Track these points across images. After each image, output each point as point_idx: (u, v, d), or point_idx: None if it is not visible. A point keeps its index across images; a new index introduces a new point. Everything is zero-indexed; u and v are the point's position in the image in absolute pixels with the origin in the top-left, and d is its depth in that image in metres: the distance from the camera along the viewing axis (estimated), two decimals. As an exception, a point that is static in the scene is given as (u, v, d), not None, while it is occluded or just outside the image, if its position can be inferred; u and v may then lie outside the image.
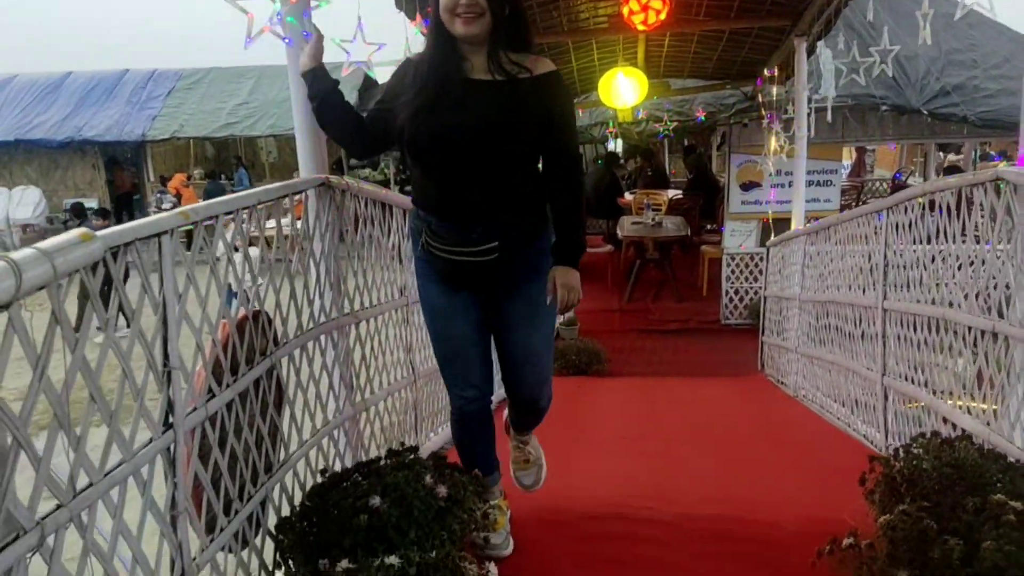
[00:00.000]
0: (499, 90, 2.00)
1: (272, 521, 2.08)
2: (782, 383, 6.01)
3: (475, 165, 2.01)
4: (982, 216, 2.58)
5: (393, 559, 1.73)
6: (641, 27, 5.35)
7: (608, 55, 7.79)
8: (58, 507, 1.25)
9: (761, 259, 8.08)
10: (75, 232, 1.27)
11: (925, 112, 8.18)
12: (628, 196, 11.78)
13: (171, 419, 1.57)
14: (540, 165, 2.15)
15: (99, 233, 1.31)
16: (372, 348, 2.86)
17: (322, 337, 2.44)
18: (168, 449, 1.57)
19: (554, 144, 2.07)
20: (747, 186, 8.94)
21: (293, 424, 2.23)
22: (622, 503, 2.79)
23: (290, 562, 2.02)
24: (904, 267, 3.32)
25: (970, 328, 2.64)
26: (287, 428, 2.20)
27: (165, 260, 1.53)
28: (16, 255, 1.13)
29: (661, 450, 3.77)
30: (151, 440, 1.51)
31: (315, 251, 2.40)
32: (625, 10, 5.35)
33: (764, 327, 6.97)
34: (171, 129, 16.33)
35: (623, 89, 6.75)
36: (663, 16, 5.30)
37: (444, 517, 2.01)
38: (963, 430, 2.53)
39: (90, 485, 1.32)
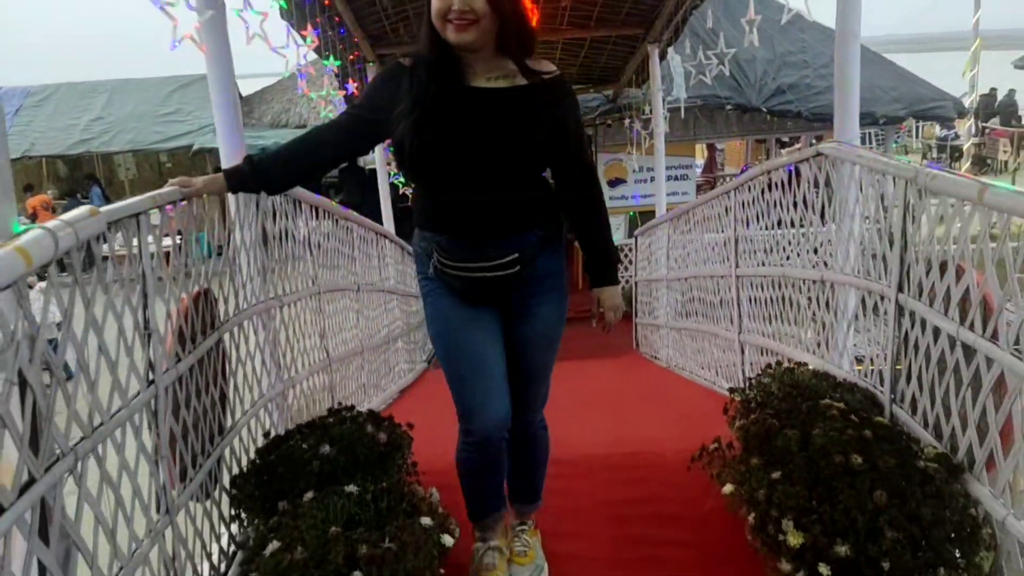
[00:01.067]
0: (506, 97, 1.89)
1: (226, 480, 2.32)
2: (655, 358, 6.60)
3: (486, 178, 1.89)
4: (809, 187, 3.13)
5: (351, 487, 2.03)
6: (512, 36, 5.77)
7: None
8: (83, 439, 1.49)
9: (630, 250, 8.71)
10: (85, 208, 1.52)
11: (764, 109, 9.09)
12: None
13: (152, 376, 1.82)
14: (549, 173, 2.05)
15: (101, 209, 1.56)
16: (294, 331, 3.11)
17: (254, 317, 2.68)
18: (151, 403, 1.81)
19: (568, 154, 1.97)
20: (614, 182, 9.61)
21: (236, 395, 2.48)
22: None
23: (243, 514, 2.28)
24: (750, 239, 3.88)
25: (804, 280, 3.19)
26: (232, 397, 2.45)
27: (143, 237, 1.78)
28: (48, 225, 1.38)
29: (554, 413, 4.18)
30: (139, 392, 1.75)
31: (246, 239, 2.65)
32: (497, 20, 5.75)
33: (636, 310, 7.57)
34: (22, 148, 15.51)
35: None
36: (532, 23, 5.74)
37: (385, 461, 2.33)
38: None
39: (101, 424, 1.57)
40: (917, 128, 20.76)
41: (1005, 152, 17.06)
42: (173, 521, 1.89)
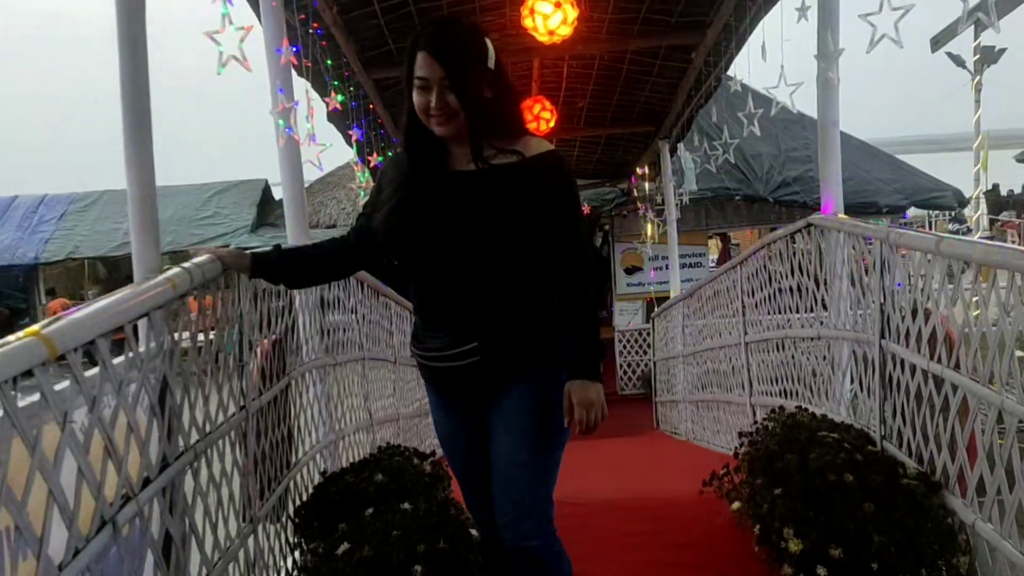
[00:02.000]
0: (484, 179, 1.81)
1: (291, 511, 2.63)
2: (675, 433, 6.83)
3: (456, 263, 1.82)
4: (803, 254, 3.51)
5: (406, 505, 2.34)
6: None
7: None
8: (198, 440, 1.84)
9: (648, 334, 9.06)
10: (204, 257, 1.92)
11: (771, 200, 9.58)
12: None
13: (243, 402, 2.18)
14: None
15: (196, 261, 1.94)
16: (344, 389, 3.47)
17: (313, 371, 3.05)
18: (241, 424, 2.16)
19: (550, 232, 1.80)
20: (630, 270, 10.05)
21: (299, 436, 2.82)
22: (558, 506, 3.44)
23: (304, 543, 2.58)
24: (756, 306, 4.23)
25: (803, 338, 3.52)
26: (296, 437, 2.79)
27: (242, 286, 2.17)
28: (186, 265, 1.77)
29: (576, 472, 4.46)
30: (233, 414, 2.11)
31: (307, 301, 3.04)
32: (521, 121, 6.33)
33: (656, 389, 7.84)
34: (65, 251, 16.31)
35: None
36: (552, 124, 6.31)
37: (430, 489, 2.63)
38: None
39: (210, 432, 1.91)
40: (930, 223, 21.39)
41: (1014, 242, 17.49)
42: (255, 530, 2.21)
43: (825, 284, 3.29)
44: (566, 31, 4.31)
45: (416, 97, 1.81)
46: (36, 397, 1.23)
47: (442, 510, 2.37)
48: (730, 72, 5.56)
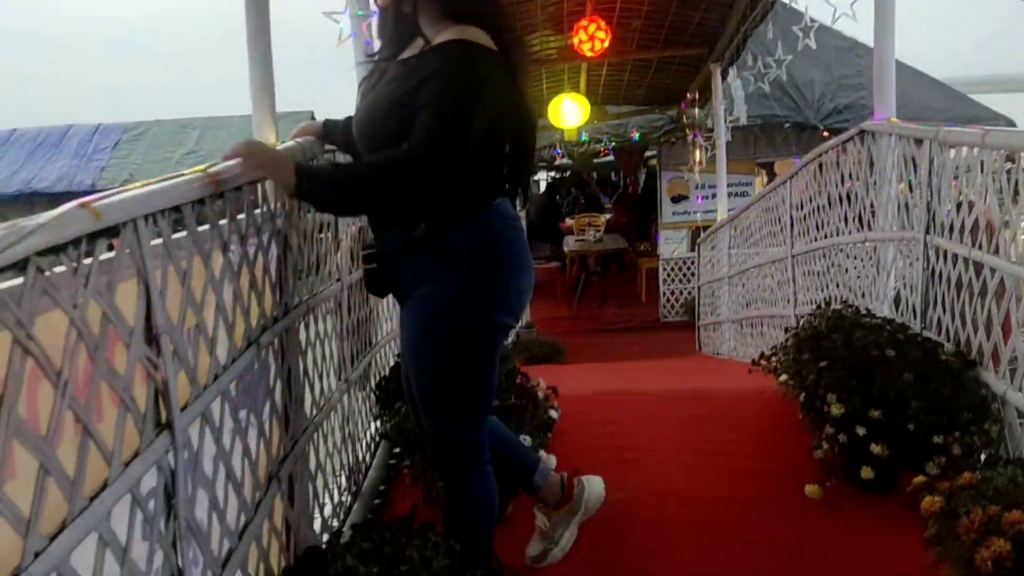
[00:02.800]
0: (392, 70, 1.77)
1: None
2: (718, 354, 7.04)
3: (362, 154, 1.81)
4: (854, 161, 3.63)
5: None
6: (589, 53, 6.43)
7: (555, 84, 8.91)
8: (309, 297, 2.09)
9: (692, 263, 9.20)
10: (302, 139, 2.13)
11: (822, 127, 9.52)
12: (568, 221, 12.86)
13: (339, 276, 2.42)
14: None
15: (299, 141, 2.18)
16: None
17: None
18: (337, 295, 2.41)
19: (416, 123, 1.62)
20: (677, 199, 10.13)
21: (377, 319, 3.08)
22: (614, 395, 3.70)
23: (383, 412, 2.86)
24: (804, 219, 4.37)
25: (850, 244, 3.67)
26: (377, 320, 3.05)
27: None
28: (290, 143, 1.99)
29: (632, 379, 4.71)
30: (332, 284, 2.35)
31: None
32: (575, 40, 6.43)
33: (699, 314, 8.02)
34: (120, 179, 16.74)
35: (569, 112, 7.83)
36: (606, 44, 6.39)
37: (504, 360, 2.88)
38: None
39: (316, 293, 2.17)
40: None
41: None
42: (349, 390, 2.49)
43: (874, 189, 3.43)
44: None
45: None
46: (184, 233, 1.47)
47: (510, 377, 2.63)
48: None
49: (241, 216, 1.62)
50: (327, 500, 2.22)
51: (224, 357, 1.52)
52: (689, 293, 9.52)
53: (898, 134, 3.13)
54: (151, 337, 1.23)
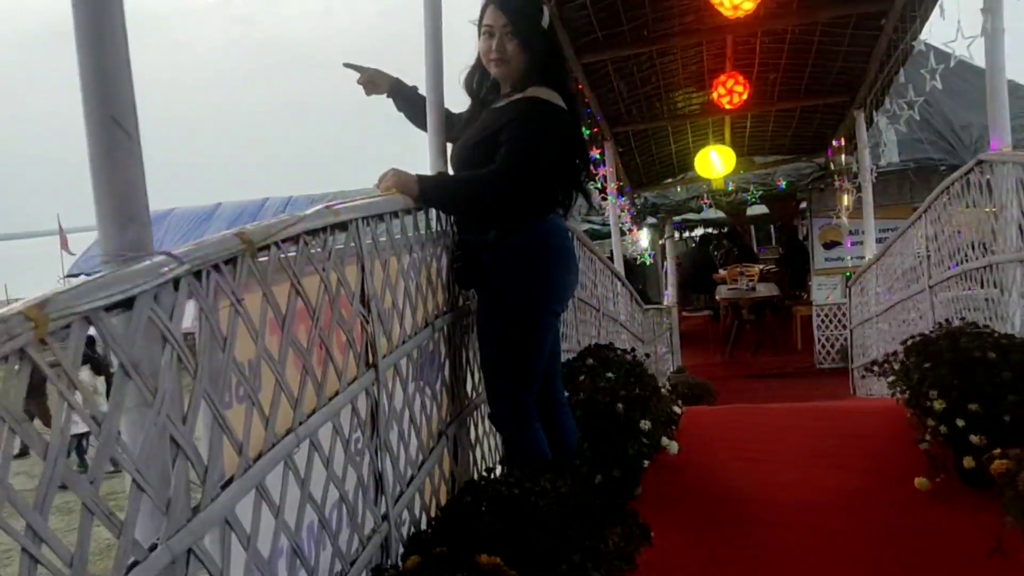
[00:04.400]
0: (489, 112, 2.32)
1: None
2: (870, 394, 7.00)
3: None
4: (977, 191, 3.80)
5: (609, 374, 3.02)
6: (728, 107, 6.82)
7: (700, 137, 9.33)
8: (466, 302, 2.63)
9: (846, 308, 9.13)
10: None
11: (982, 169, 9.28)
12: (722, 272, 13.00)
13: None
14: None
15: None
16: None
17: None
18: (444, 327, 2.93)
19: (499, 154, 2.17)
20: (829, 245, 10.11)
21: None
22: (741, 408, 4.00)
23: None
24: (938, 249, 4.51)
25: (976, 269, 3.82)
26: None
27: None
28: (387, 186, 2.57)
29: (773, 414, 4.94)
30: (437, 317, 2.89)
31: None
32: (715, 95, 6.85)
33: (852, 357, 7.98)
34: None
35: (716, 162, 8.18)
36: (745, 97, 6.75)
37: (625, 366, 3.30)
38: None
39: (463, 303, 2.70)
40: None
41: None
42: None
43: (994, 215, 3.59)
44: (750, 5, 4.80)
45: (481, 44, 2.28)
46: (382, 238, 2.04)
47: (635, 373, 3.04)
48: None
49: (417, 231, 2.19)
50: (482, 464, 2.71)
51: (409, 330, 2.07)
52: (844, 338, 9.41)
53: (1012, 162, 3.32)
54: (364, 301, 1.79)
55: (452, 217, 2.39)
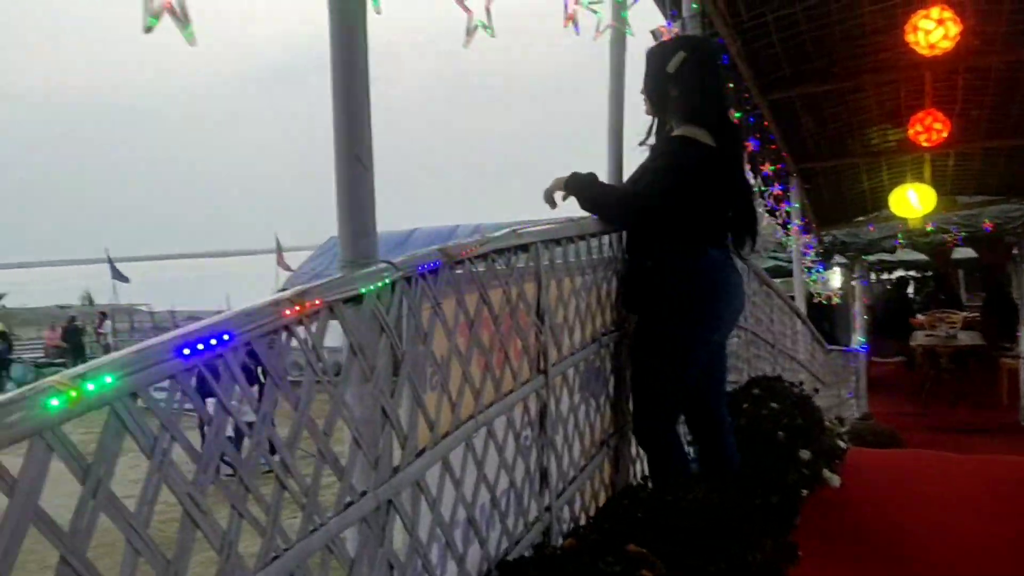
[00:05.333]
0: (650, 149, 2.63)
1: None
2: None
3: None
4: None
5: (773, 404, 3.09)
6: (925, 144, 6.54)
7: (896, 174, 8.92)
8: (627, 325, 2.83)
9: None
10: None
11: None
12: (920, 317, 12.21)
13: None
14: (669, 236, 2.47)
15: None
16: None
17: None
18: (610, 344, 3.11)
19: None
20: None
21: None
22: (915, 452, 3.88)
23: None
24: None
25: None
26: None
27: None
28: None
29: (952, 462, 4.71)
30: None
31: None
32: (911, 131, 6.59)
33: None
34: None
35: (913, 201, 7.79)
36: (944, 135, 6.44)
37: (791, 397, 3.34)
38: None
39: (625, 327, 2.89)
40: None
41: None
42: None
43: None
44: (947, 44, 4.66)
45: None
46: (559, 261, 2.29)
47: (800, 405, 3.09)
48: None
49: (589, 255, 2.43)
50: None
51: (577, 343, 2.30)
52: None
53: None
54: (539, 314, 2.05)
55: (623, 244, 2.61)
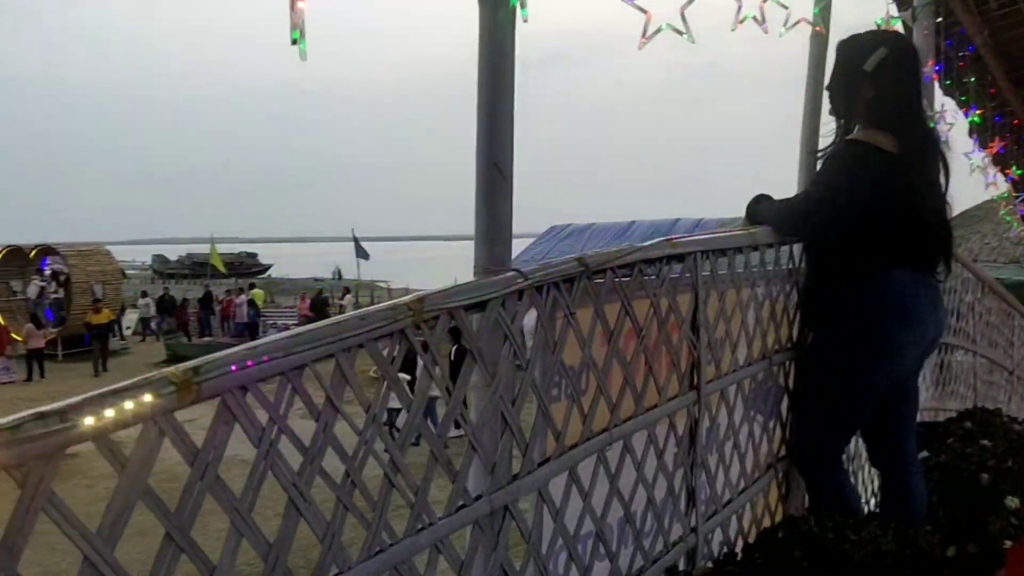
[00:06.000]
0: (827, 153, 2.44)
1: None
2: None
3: None
4: None
5: (984, 441, 2.73)
6: None
7: None
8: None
9: None
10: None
11: None
12: None
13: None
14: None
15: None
16: (959, 371, 3.84)
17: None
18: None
19: None
20: None
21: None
22: None
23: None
24: None
25: None
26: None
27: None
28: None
29: None
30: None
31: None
32: None
33: None
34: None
35: None
36: None
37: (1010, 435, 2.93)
38: None
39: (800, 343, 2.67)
40: None
41: None
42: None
43: None
44: None
45: None
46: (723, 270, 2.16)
47: (1014, 446, 2.69)
48: None
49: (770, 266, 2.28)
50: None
51: (742, 360, 2.17)
52: None
53: None
54: (694, 328, 1.96)
55: (804, 257, 2.41)
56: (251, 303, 23.08)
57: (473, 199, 1.57)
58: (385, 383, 1.27)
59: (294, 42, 1.29)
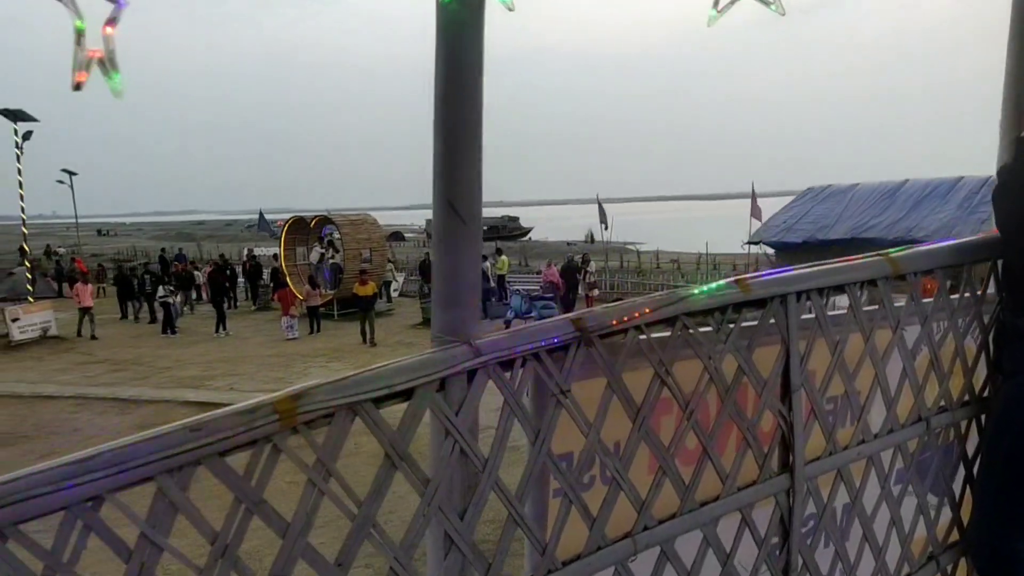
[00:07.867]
0: None
1: None
2: None
3: None
4: None
5: None
6: None
7: None
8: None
9: None
10: None
11: None
12: None
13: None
14: None
15: None
16: None
17: None
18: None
19: None
20: None
21: None
22: None
23: None
24: None
25: None
26: None
27: None
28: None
29: None
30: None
31: None
32: None
33: None
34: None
35: None
36: None
37: None
38: None
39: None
40: None
41: None
42: None
43: None
44: None
45: None
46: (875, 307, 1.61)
47: None
48: None
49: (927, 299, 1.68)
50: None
51: (876, 425, 1.62)
52: None
53: None
54: (786, 393, 1.46)
55: (1003, 281, 1.76)
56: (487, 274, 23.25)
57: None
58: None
59: (77, 87, 0.99)
